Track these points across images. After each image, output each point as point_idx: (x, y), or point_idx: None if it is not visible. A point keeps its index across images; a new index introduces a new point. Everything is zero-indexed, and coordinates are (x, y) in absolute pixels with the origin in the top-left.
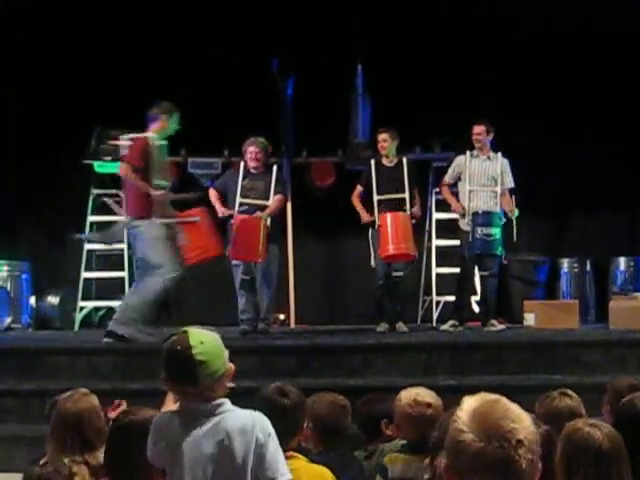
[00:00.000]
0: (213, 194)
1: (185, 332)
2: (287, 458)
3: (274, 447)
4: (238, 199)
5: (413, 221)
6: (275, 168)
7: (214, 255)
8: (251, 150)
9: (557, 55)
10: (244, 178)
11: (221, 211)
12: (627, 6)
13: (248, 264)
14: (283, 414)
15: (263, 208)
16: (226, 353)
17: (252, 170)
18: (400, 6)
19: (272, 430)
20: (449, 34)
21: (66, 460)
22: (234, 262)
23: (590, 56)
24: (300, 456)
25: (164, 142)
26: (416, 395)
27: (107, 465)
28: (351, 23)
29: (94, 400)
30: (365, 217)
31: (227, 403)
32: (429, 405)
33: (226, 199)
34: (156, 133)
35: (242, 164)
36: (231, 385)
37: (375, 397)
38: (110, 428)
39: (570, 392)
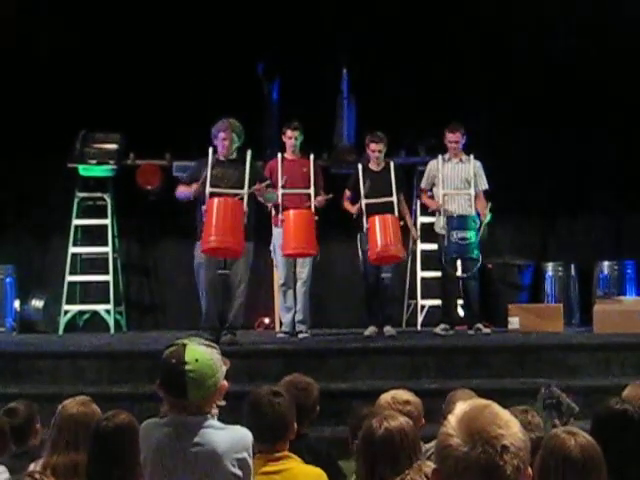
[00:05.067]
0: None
1: (183, 345)
2: (282, 458)
3: (251, 462)
4: (208, 189)
5: (402, 223)
6: (249, 154)
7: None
8: (223, 136)
9: (544, 53)
10: (213, 167)
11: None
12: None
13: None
14: (278, 415)
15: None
16: (222, 370)
17: (221, 157)
18: (385, 9)
19: (251, 445)
20: (435, 37)
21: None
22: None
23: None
24: (295, 456)
25: None
26: (395, 394)
27: (89, 470)
28: (336, 27)
29: (97, 408)
30: (355, 209)
31: (212, 419)
32: (407, 402)
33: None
34: None
35: (210, 150)
36: (221, 403)
37: (364, 410)
38: (92, 433)
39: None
